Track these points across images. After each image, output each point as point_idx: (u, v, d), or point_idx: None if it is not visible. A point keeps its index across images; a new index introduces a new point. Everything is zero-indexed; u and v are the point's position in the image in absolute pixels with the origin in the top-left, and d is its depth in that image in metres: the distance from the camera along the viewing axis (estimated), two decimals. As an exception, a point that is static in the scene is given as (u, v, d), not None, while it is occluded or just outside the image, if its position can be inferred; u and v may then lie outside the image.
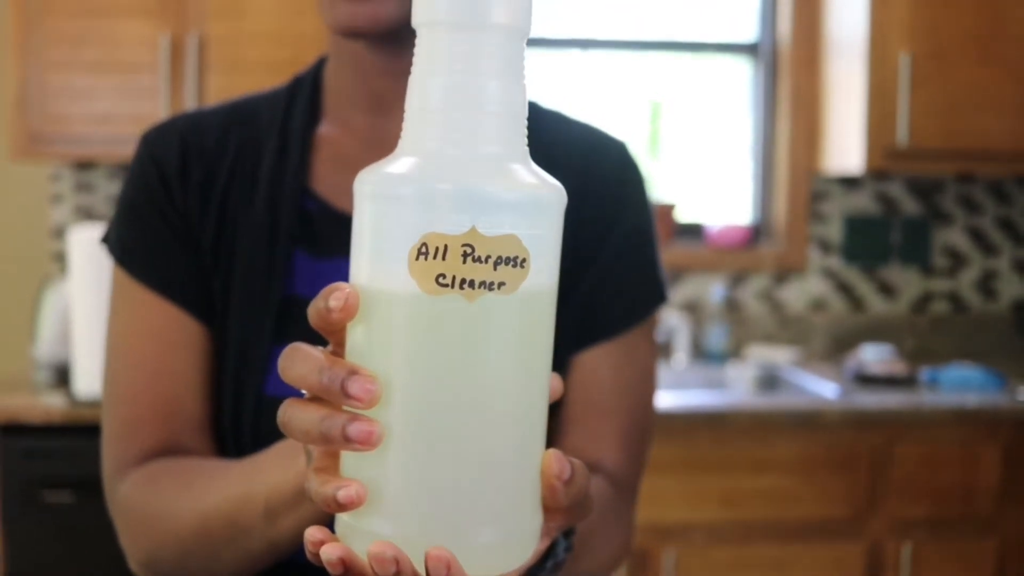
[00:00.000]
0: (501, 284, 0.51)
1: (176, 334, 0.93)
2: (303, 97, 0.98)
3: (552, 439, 0.90)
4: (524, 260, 0.51)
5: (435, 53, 0.53)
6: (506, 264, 0.51)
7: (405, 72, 0.89)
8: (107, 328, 0.97)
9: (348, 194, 0.91)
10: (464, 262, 0.50)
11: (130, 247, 0.95)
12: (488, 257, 0.50)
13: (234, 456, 0.92)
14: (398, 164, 0.52)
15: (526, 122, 0.55)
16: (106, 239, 0.98)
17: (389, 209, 0.51)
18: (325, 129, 0.98)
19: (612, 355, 0.97)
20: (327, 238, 0.94)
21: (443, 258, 0.50)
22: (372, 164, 0.54)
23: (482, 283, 0.51)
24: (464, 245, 0.50)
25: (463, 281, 0.51)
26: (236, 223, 0.94)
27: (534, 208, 0.52)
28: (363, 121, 0.96)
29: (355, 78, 0.96)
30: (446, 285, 0.50)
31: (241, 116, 0.99)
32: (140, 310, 0.94)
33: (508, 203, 0.51)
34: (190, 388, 0.93)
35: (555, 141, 0.97)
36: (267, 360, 0.91)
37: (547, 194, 0.53)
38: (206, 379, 0.95)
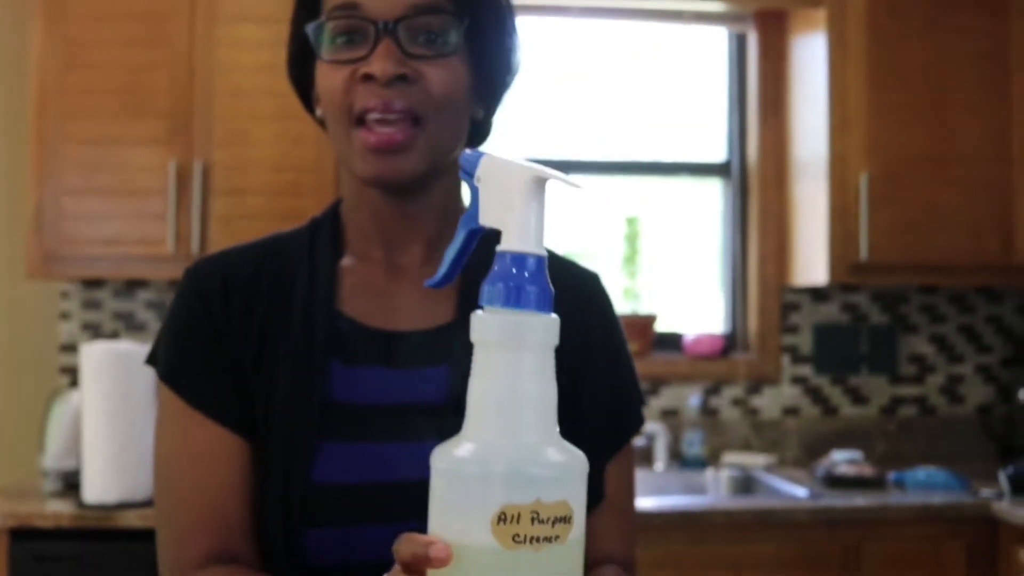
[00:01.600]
0: (557, 537, 0.67)
1: (219, 448, 1.05)
2: (324, 235, 1.15)
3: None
4: (570, 517, 0.67)
5: (487, 365, 0.69)
6: (560, 522, 0.67)
7: (414, 215, 1.12)
8: (155, 442, 1.09)
9: (373, 313, 1.12)
10: (532, 524, 0.66)
11: (176, 367, 1.09)
12: (549, 518, 0.66)
13: (281, 538, 1.03)
14: (463, 448, 0.68)
15: (556, 409, 0.72)
16: (152, 360, 1.12)
17: (466, 484, 0.67)
18: (347, 261, 1.14)
19: (619, 462, 1.14)
20: (357, 349, 1.09)
21: (517, 522, 0.66)
22: (442, 445, 0.70)
23: (545, 538, 0.66)
24: (532, 511, 0.66)
25: (533, 538, 0.66)
26: (276, 343, 1.08)
27: (574, 478, 0.69)
28: (380, 254, 1.14)
29: (371, 220, 1.13)
30: (521, 542, 0.66)
31: (270, 253, 1.15)
32: (185, 426, 1.07)
33: (559, 478, 0.67)
34: (234, 497, 1.04)
35: None
36: (313, 452, 1.04)
37: (579, 466, 0.69)
38: (248, 489, 1.04)
